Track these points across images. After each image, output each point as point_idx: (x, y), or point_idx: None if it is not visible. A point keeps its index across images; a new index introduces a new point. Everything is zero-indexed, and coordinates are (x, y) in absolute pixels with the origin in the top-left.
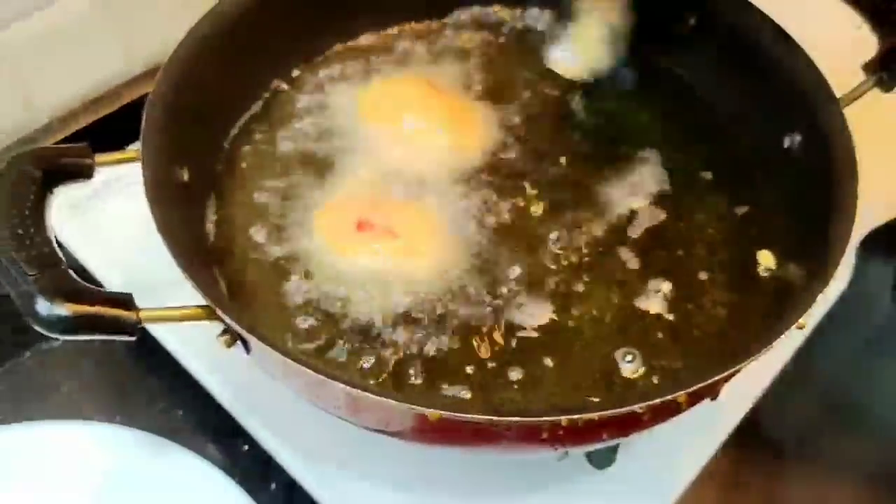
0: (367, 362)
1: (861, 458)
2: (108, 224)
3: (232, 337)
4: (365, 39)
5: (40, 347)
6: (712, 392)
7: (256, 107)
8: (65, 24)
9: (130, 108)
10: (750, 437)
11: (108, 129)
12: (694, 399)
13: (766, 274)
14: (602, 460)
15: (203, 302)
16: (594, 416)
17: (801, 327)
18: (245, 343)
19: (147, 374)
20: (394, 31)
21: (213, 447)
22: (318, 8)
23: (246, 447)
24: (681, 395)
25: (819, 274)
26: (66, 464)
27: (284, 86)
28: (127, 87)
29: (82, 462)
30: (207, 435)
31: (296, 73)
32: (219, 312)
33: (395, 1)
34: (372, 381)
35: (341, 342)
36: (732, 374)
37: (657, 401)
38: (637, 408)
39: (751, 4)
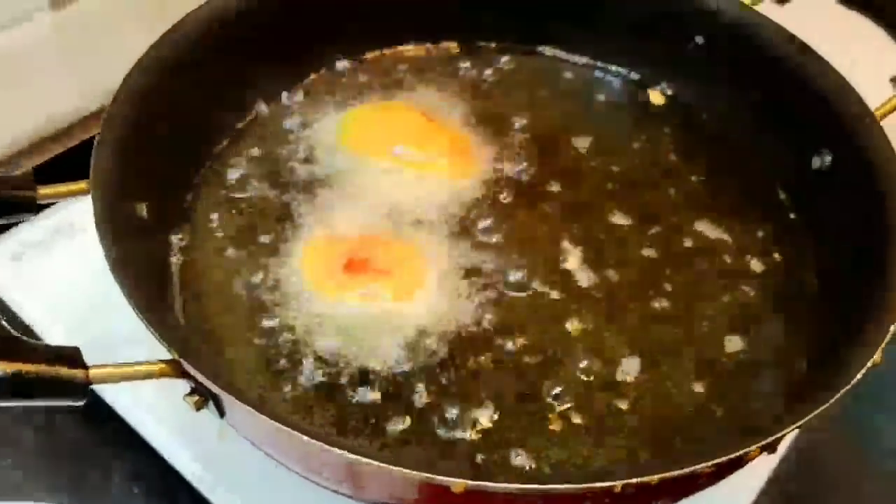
0: (359, 421)
1: None
2: (54, 276)
3: (202, 398)
4: (346, 64)
5: None
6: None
7: (231, 135)
8: (15, 55)
9: (83, 148)
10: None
11: (57, 171)
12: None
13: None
14: None
15: (167, 356)
16: (652, 478)
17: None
18: (218, 404)
19: (98, 444)
20: (383, 53)
21: None
22: (299, 26)
23: None
24: (753, 449)
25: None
26: None
27: (262, 112)
28: (81, 125)
29: None
30: None
31: (275, 98)
32: (187, 367)
33: (388, 22)
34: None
35: (326, 398)
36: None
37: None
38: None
39: (766, 19)
